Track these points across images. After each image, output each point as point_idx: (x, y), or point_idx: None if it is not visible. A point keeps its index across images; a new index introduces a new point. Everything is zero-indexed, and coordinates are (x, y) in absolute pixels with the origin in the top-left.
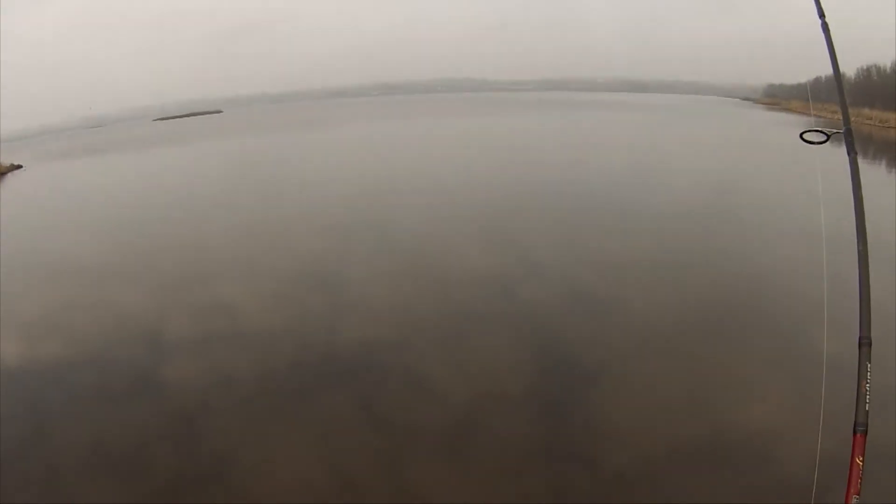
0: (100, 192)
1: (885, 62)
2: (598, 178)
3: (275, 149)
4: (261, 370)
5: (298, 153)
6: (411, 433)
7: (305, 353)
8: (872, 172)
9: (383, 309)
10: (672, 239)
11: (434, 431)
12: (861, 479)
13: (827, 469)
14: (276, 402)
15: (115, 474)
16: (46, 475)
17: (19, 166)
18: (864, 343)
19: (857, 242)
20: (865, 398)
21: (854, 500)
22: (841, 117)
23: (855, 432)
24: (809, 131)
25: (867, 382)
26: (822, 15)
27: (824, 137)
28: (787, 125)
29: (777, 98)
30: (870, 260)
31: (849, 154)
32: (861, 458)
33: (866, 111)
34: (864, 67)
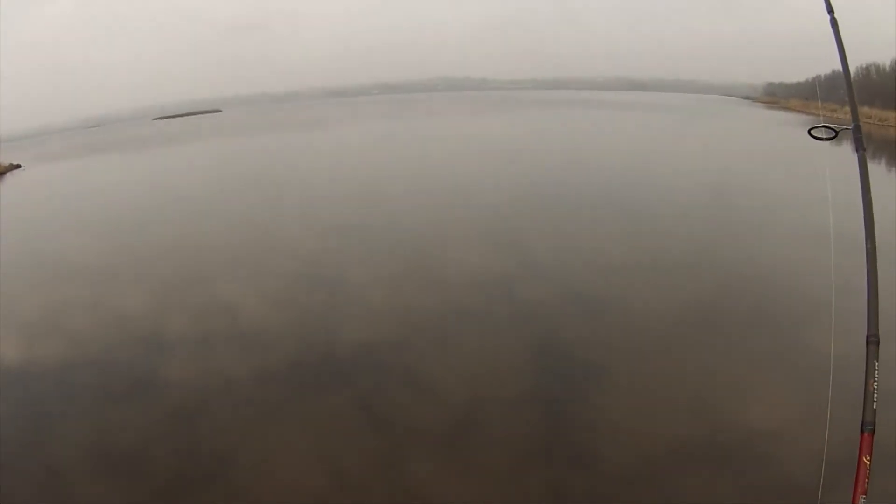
0: (99, 193)
1: (885, 61)
2: (597, 178)
3: (274, 149)
4: (261, 370)
5: (298, 153)
6: (411, 433)
7: (305, 354)
8: (875, 171)
9: (383, 309)
10: (673, 239)
11: (434, 432)
12: (868, 478)
13: (833, 469)
14: (276, 402)
15: (116, 474)
16: (46, 475)
17: (18, 166)
18: (872, 341)
19: (866, 240)
20: (873, 397)
21: (861, 500)
22: (848, 114)
23: (862, 431)
24: (817, 127)
25: (875, 381)
26: (830, 10)
27: (833, 134)
28: (786, 124)
29: (776, 97)
30: (877, 258)
31: (857, 151)
32: (868, 458)
33: (866, 109)
34: (864, 66)
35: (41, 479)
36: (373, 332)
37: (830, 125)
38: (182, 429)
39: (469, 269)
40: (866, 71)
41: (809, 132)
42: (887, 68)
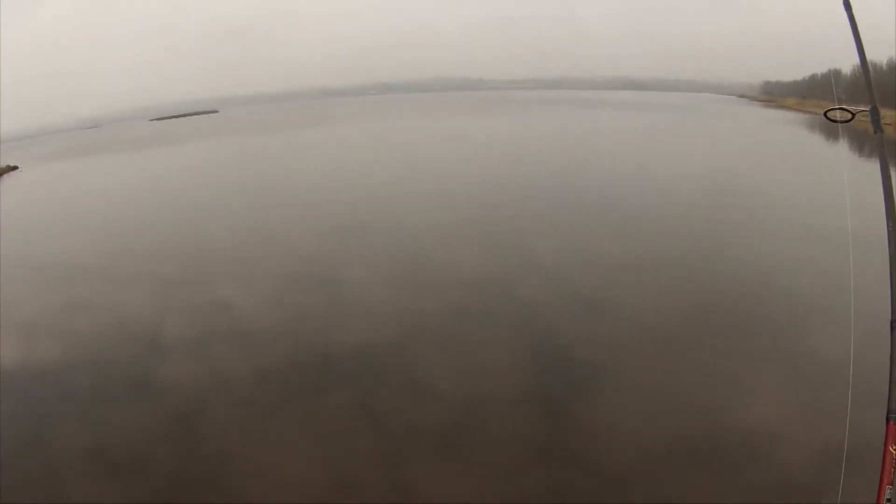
0: (97, 194)
1: (881, 59)
2: (596, 178)
3: (272, 149)
4: (260, 371)
5: (296, 154)
6: (410, 434)
7: (305, 354)
8: (873, 167)
9: (382, 309)
10: (672, 238)
11: (433, 432)
12: (895, 468)
13: (856, 460)
14: (275, 402)
15: (115, 475)
16: (46, 476)
17: (15, 167)
18: None
19: (887, 222)
20: None
21: (888, 491)
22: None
23: (888, 419)
24: (833, 109)
25: None
26: None
27: (849, 116)
28: (782, 123)
29: (773, 95)
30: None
31: (875, 132)
32: (894, 447)
33: (863, 108)
34: (854, 107)
35: (41, 480)
36: (372, 333)
37: (847, 107)
38: (182, 429)
39: (468, 269)
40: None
41: (825, 115)
42: (884, 66)
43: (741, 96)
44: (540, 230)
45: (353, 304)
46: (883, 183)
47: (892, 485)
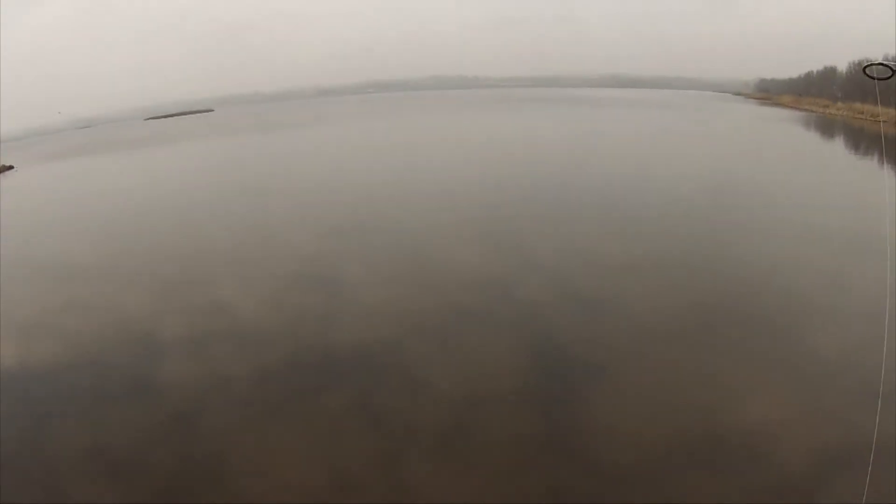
0: (92, 194)
1: (877, 56)
2: (596, 177)
3: (269, 148)
4: (260, 370)
5: (293, 153)
6: (410, 433)
7: (304, 354)
8: (871, 165)
9: (382, 309)
10: (672, 238)
11: (433, 432)
12: None
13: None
14: (275, 402)
15: (115, 475)
16: (45, 475)
17: (10, 167)
18: None
19: None
20: None
21: None
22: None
23: None
24: (874, 64)
25: None
26: None
27: (889, 73)
28: (779, 120)
29: (769, 93)
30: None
31: None
32: None
33: (858, 105)
34: (856, 62)
35: (40, 479)
36: (372, 332)
37: (888, 63)
38: (182, 429)
39: (468, 268)
40: (858, 67)
41: (864, 70)
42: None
43: (737, 94)
44: (540, 229)
45: (353, 303)
46: None
47: None
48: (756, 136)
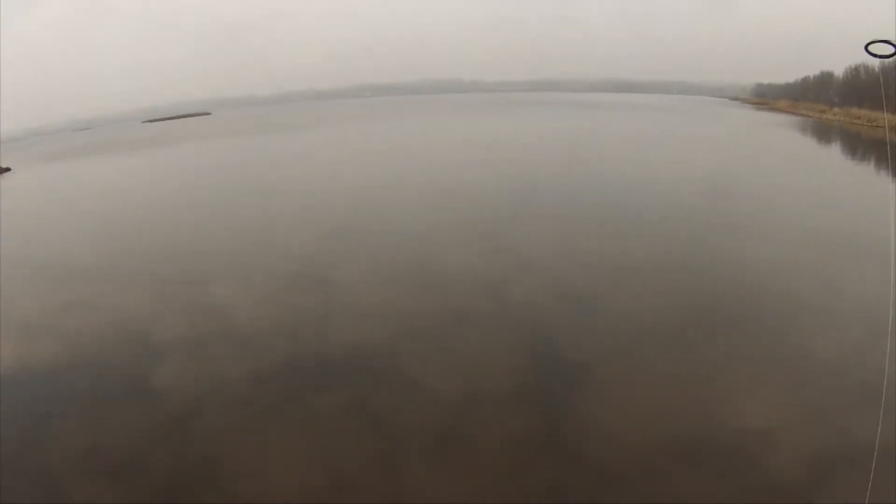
0: (92, 195)
1: (874, 62)
2: (592, 182)
3: (267, 151)
4: (258, 372)
5: (291, 155)
6: (408, 434)
7: (302, 355)
8: (867, 171)
9: (380, 310)
10: (670, 241)
11: (430, 433)
12: None
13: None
14: (273, 403)
15: (114, 475)
16: (44, 476)
17: (7, 169)
18: None
19: None
20: None
21: None
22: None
23: None
24: (876, 42)
25: None
26: None
27: (893, 50)
28: (775, 125)
29: (766, 98)
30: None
31: None
32: None
33: (855, 110)
34: (853, 67)
35: (40, 479)
36: (370, 334)
37: (890, 41)
38: (181, 430)
39: (466, 270)
40: (855, 72)
41: (866, 48)
42: (876, 69)
43: (734, 98)
44: (538, 232)
45: (351, 304)
46: None
47: None
48: (752, 141)
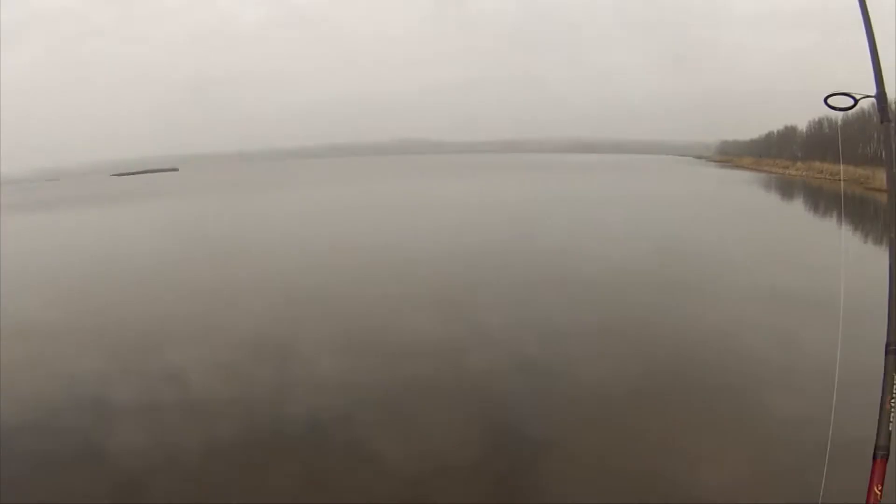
0: (49, 250)
1: (836, 115)
2: (549, 246)
3: (231, 211)
4: (209, 442)
5: (254, 216)
6: None
7: (256, 425)
8: (823, 225)
9: (335, 380)
10: (627, 305)
11: None
12: None
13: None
14: (224, 475)
15: None
16: None
17: None
18: (892, 350)
19: (890, 229)
20: (889, 417)
21: None
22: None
23: (875, 457)
24: (835, 95)
25: (893, 398)
26: None
27: (852, 102)
28: (739, 183)
29: (730, 155)
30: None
31: (882, 122)
32: (880, 488)
33: (817, 164)
34: (816, 120)
35: None
36: (324, 404)
37: (849, 93)
38: (130, 499)
39: (421, 338)
40: (818, 125)
41: (825, 101)
42: (839, 122)
43: (698, 157)
44: (495, 299)
45: (306, 374)
46: (888, 181)
47: None
48: (713, 200)
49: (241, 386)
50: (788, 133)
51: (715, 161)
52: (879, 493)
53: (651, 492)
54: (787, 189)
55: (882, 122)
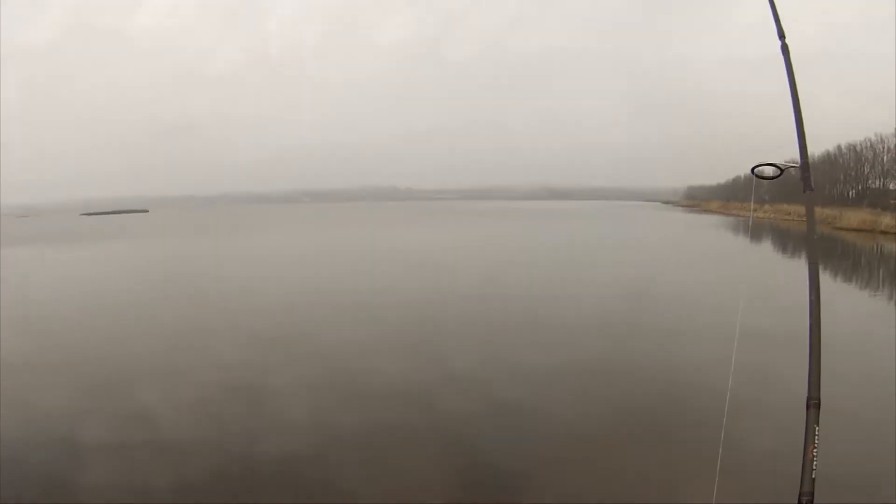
0: (17, 287)
1: (793, 154)
2: (518, 290)
3: (200, 253)
4: (179, 482)
5: (223, 259)
6: None
7: (225, 465)
8: (789, 264)
9: (305, 421)
10: (596, 345)
11: None
12: None
13: None
14: None
15: None
16: None
17: None
18: (813, 404)
19: (809, 291)
20: (812, 465)
21: None
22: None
23: (800, 502)
24: (762, 165)
25: (815, 448)
26: (782, 36)
27: (778, 172)
28: (706, 227)
29: (697, 200)
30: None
31: (805, 191)
32: None
33: (785, 206)
34: (785, 161)
35: None
36: (295, 444)
37: (776, 163)
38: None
39: (391, 381)
40: (787, 166)
41: (753, 171)
42: (816, 160)
43: (667, 202)
44: (464, 341)
45: (276, 414)
46: (808, 250)
47: None
48: (679, 243)
49: (212, 425)
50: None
51: (682, 206)
52: None
53: None
54: (756, 231)
55: (805, 190)
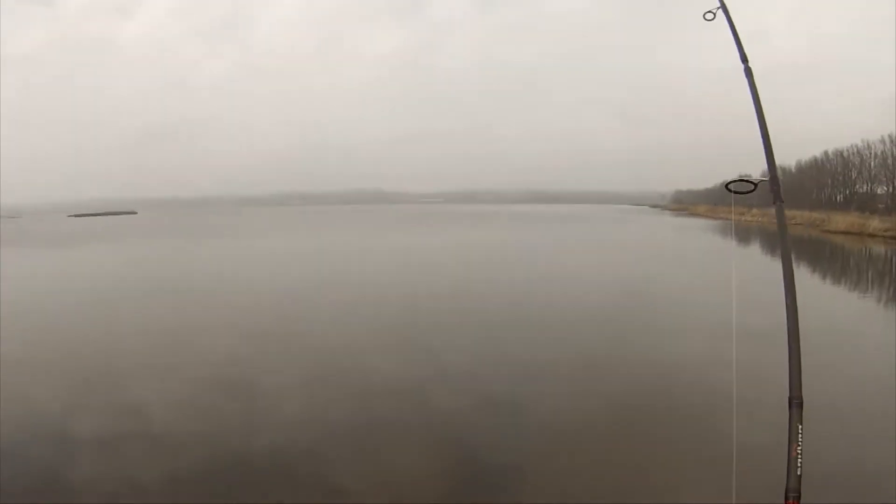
0: (10, 284)
1: (790, 162)
2: (511, 289)
3: (192, 253)
4: (173, 476)
5: (215, 259)
6: None
7: (219, 459)
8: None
9: (298, 416)
10: (585, 342)
11: None
12: None
13: None
14: None
15: None
16: None
17: None
18: (795, 403)
19: (785, 295)
20: (797, 462)
21: None
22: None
23: (787, 500)
24: (735, 181)
25: (799, 445)
26: (744, 60)
27: (751, 187)
28: (693, 229)
29: (685, 204)
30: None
31: (775, 203)
32: None
33: (771, 210)
34: (757, 177)
35: None
36: (288, 438)
37: (748, 179)
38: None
39: (384, 376)
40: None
41: (727, 187)
42: (792, 169)
43: (654, 206)
44: (457, 338)
45: (269, 409)
46: (782, 256)
47: None
48: (667, 245)
49: (205, 420)
50: (739, 181)
51: (670, 210)
52: None
53: None
54: (744, 234)
55: (775, 202)
